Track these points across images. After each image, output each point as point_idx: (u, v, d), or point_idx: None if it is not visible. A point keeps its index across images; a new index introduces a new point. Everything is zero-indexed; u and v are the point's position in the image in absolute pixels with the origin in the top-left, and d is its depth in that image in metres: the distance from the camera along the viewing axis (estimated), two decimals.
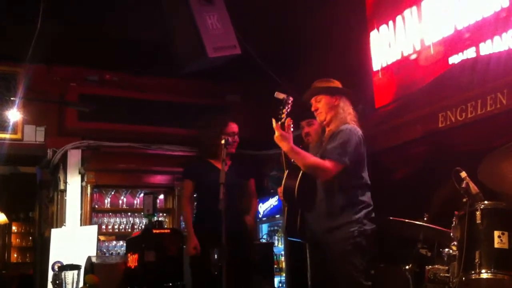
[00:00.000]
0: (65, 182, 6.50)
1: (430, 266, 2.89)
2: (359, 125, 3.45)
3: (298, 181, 3.39)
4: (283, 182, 3.52)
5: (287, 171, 3.54)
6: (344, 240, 3.20)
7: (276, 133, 3.25)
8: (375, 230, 3.27)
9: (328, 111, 3.46)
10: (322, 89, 3.51)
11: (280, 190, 3.58)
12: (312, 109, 3.52)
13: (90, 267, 4.82)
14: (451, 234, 2.78)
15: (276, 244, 6.62)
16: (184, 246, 4.58)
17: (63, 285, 4.75)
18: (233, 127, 4.45)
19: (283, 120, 3.30)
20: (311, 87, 3.57)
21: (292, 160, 3.50)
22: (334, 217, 3.28)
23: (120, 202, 6.86)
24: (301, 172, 3.40)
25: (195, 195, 4.60)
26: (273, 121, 3.26)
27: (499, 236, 2.59)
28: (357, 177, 3.34)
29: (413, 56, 4.98)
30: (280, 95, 3.41)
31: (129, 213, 6.78)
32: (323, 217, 3.33)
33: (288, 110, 3.35)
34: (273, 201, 6.64)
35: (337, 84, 3.55)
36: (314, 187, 3.40)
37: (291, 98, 3.40)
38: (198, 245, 4.16)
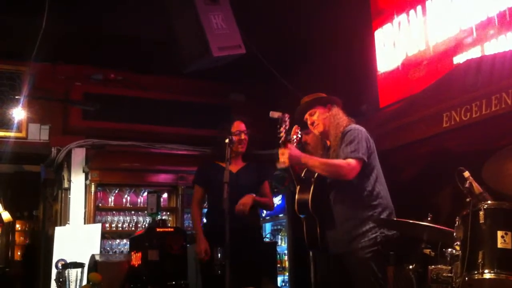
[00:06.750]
0: (69, 181, 6.52)
1: (433, 266, 2.87)
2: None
3: (311, 194, 3.37)
4: (296, 197, 3.46)
5: (298, 186, 3.48)
6: (366, 248, 3.25)
7: (284, 156, 3.26)
8: (396, 237, 3.30)
9: (324, 122, 3.50)
10: (314, 101, 3.55)
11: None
12: (309, 123, 3.55)
13: (94, 265, 4.83)
14: (454, 234, 2.77)
15: (279, 243, 6.63)
16: (188, 245, 4.59)
17: (67, 283, 4.76)
18: (239, 125, 4.31)
19: (282, 139, 3.28)
20: (300, 103, 3.60)
21: (302, 174, 3.50)
22: (353, 224, 3.31)
23: (124, 200, 6.86)
24: (313, 184, 3.39)
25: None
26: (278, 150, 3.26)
27: (502, 236, 2.57)
28: (370, 176, 3.36)
29: (418, 56, 4.97)
30: (275, 114, 3.37)
31: (132, 212, 6.79)
32: (342, 225, 3.35)
33: (287, 127, 3.33)
34: (276, 200, 6.63)
35: (324, 96, 3.61)
36: (327, 198, 3.42)
37: (287, 115, 3.37)
38: (208, 249, 4.07)
